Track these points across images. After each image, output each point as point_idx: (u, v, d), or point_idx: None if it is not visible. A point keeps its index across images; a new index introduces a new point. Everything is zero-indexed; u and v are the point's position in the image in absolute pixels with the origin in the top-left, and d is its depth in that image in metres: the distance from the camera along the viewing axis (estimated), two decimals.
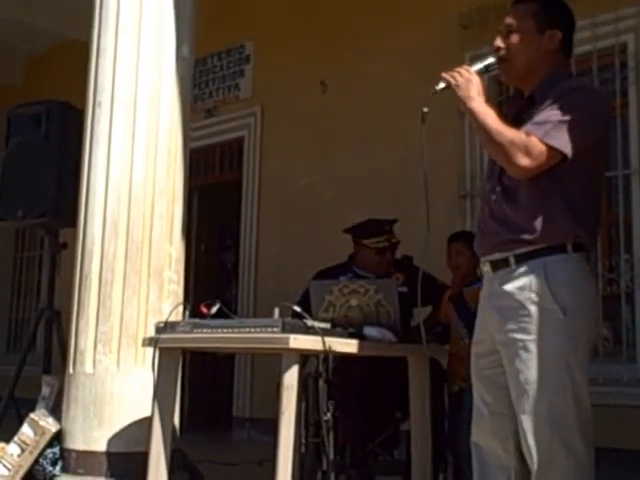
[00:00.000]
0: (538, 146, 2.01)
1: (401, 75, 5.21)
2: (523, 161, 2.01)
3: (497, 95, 4.70)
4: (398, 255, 3.79)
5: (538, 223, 2.05)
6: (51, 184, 3.95)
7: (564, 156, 2.02)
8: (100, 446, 3.22)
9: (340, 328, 2.76)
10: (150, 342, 2.91)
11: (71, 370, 3.38)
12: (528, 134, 2.03)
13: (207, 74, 6.69)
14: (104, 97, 3.44)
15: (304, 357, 2.76)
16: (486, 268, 2.19)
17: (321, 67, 5.79)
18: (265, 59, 6.25)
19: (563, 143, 2.01)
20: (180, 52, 3.55)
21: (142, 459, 2.94)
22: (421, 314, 3.45)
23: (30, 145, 4.04)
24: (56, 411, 3.45)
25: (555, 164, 2.03)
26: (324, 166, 5.71)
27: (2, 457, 3.27)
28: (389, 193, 5.18)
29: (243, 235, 6.31)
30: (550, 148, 2.01)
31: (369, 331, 2.81)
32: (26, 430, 3.31)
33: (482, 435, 2.21)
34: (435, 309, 3.67)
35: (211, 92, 6.67)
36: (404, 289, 3.51)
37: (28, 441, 3.27)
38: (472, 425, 2.25)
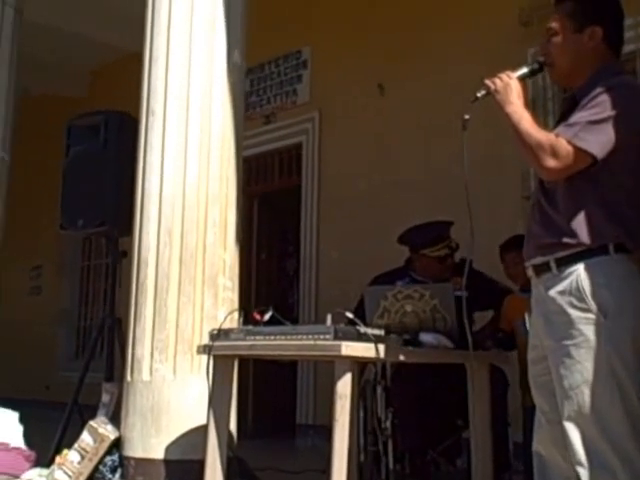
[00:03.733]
0: (565, 148, 1.99)
1: (461, 75, 5.09)
2: (550, 163, 2.00)
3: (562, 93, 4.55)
4: (456, 258, 3.68)
5: (576, 225, 2.02)
6: (110, 193, 4.00)
7: (594, 157, 1.98)
8: (158, 454, 3.23)
9: (395, 335, 2.69)
10: (204, 349, 2.90)
11: (129, 378, 3.40)
12: (558, 135, 2.01)
13: (265, 80, 6.70)
14: (157, 105, 3.46)
15: (362, 364, 2.70)
16: (530, 272, 2.17)
17: (379, 70, 5.72)
18: (322, 64, 6.22)
19: (592, 144, 1.98)
20: (231, 58, 3.55)
21: (199, 467, 2.94)
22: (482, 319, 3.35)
23: (89, 154, 4.10)
24: (116, 418, 3.48)
25: (589, 165, 2.00)
26: (383, 169, 5.63)
27: (63, 464, 3.31)
28: (449, 195, 5.05)
29: (303, 240, 6.28)
30: (578, 150, 1.98)
31: (425, 337, 2.74)
32: (86, 437, 3.35)
33: (542, 444, 2.17)
34: (496, 314, 3.55)
35: (269, 98, 6.68)
36: (463, 293, 3.40)
37: (88, 448, 3.30)
38: (533, 433, 2.20)
